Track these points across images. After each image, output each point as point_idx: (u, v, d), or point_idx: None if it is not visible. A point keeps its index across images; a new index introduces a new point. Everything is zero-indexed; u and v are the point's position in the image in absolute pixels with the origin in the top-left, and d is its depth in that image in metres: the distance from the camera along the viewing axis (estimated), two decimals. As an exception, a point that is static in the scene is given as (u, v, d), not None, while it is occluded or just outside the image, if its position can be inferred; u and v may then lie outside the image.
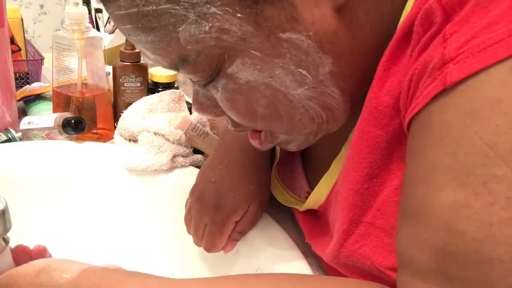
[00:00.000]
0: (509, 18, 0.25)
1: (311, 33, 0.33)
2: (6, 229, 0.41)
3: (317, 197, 0.48)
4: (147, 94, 0.82)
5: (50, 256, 0.48)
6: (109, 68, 0.86)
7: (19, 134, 0.74)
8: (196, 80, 0.37)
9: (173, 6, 0.31)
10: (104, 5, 0.34)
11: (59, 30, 0.77)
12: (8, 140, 0.73)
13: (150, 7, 0.32)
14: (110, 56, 0.94)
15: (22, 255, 0.45)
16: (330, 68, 0.35)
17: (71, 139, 0.71)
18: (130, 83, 0.83)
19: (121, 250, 0.65)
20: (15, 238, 0.46)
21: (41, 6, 2.78)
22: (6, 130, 0.74)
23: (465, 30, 0.27)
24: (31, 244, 0.49)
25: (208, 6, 0.31)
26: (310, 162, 0.53)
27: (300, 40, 0.33)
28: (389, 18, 0.34)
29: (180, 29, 0.32)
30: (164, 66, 0.36)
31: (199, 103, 0.41)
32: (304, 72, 0.34)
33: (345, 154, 0.40)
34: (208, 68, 0.35)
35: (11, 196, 0.45)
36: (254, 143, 0.43)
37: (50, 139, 0.72)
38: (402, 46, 0.32)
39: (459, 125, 0.26)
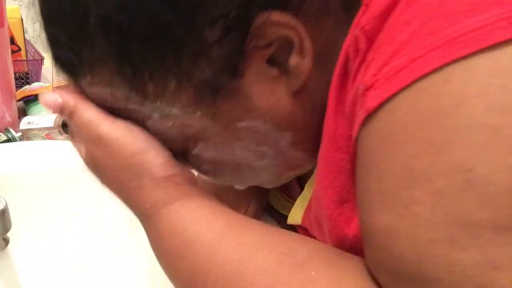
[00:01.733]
0: (412, 43, 0.26)
1: (267, 118, 0.35)
2: (6, 229, 0.42)
3: (294, 217, 0.48)
4: (147, 94, 0.82)
5: None
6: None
7: (19, 134, 0.74)
8: None
9: (139, 107, 0.35)
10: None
11: (59, 30, 0.77)
12: (8, 140, 0.73)
13: (120, 105, 0.35)
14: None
15: None
16: (290, 140, 0.37)
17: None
18: (130, 83, 0.83)
19: (121, 249, 0.65)
20: (15, 238, 0.46)
21: (41, 6, 2.78)
22: (6, 130, 0.74)
23: (379, 56, 0.27)
24: (30, 244, 0.50)
25: (170, 108, 0.34)
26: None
27: (257, 126, 0.35)
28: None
29: (147, 123, 0.36)
30: None
31: None
32: (264, 149, 0.37)
33: (314, 178, 0.41)
34: (174, 151, 0.37)
35: (11, 196, 0.45)
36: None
37: (50, 139, 0.72)
38: (345, 72, 0.32)
39: (379, 149, 0.27)
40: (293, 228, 0.55)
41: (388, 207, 0.26)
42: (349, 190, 0.35)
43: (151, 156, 0.37)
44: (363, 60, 0.29)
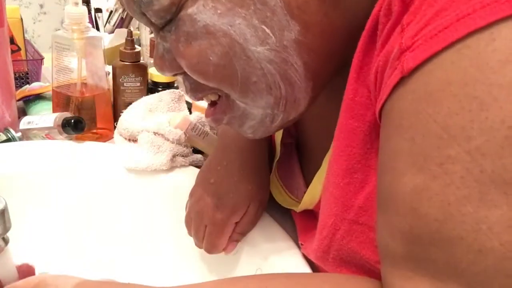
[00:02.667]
0: (456, 4, 0.26)
1: None
2: (6, 229, 0.41)
3: (312, 196, 0.48)
4: (147, 94, 0.82)
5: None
6: (109, 68, 0.86)
7: (19, 134, 0.74)
8: (157, 22, 0.36)
9: None
10: None
11: (59, 30, 0.77)
12: (8, 140, 0.73)
13: None
14: (109, 55, 0.94)
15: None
16: (296, 36, 0.34)
17: (70, 139, 0.71)
18: (130, 82, 0.83)
19: (121, 250, 0.66)
20: (15, 238, 0.46)
21: (41, 6, 2.78)
22: (5, 130, 0.74)
23: (419, 18, 0.27)
24: (30, 244, 0.49)
25: None
26: (306, 162, 0.53)
27: None
28: (364, 9, 0.33)
29: None
30: (133, 7, 0.36)
31: (159, 58, 0.40)
32: (267, 30, 0.34)
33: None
34: (169, 6, 0.34)
35: (11, 196, 0.45)
36: (208, 119, 0.42)
37: (49, 139, 0.72)
38: (373, 36, 0.32)
39: (415, 110, 0.27)
40: (293, 225, 0.55)
41: (420, 167, 0.26)
42: (360, 161, 0.35)
43: (49, 281, 0.38)
44: (396, 23, 0.29)
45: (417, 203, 0.27)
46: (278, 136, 0.55)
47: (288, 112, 0.38)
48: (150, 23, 0.37)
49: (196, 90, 0.40)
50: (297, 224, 0.54)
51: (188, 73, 0.37)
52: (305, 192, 0.50)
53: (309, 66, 0.36)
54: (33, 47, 1.10)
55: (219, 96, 0.40)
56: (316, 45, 0.35)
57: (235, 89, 0.37)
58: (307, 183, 0.52)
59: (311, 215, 0.52)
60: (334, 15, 0.35)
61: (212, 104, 0.42)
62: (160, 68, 0.40)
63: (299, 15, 0.34)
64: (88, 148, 0.69)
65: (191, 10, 0.34)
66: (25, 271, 0.46)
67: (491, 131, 0.24)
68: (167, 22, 0.36)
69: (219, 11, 0.33)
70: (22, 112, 0.89)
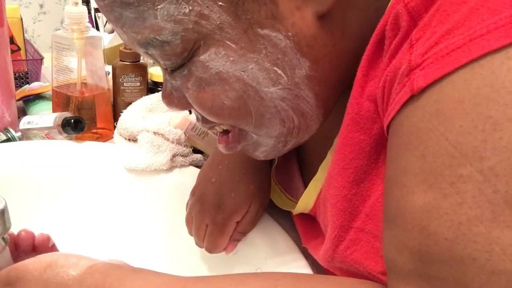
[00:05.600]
0: (469, 23, 0.25)
1: (290, 33, 0.33)
2: (6, 229, 0.41)
3: (307, 201, 0.48)
4: (147, 94, 0.82)
5: (53, 244, 0.48)
6: (109, 68, 0.86)
7: (19, 133, 0.74)
8: (166, 65, 0.36)
9: None
10: None
11: (59, 29, 0.77)
12: (8, 140, 0.73)
13: None
14: (109, 55, 0.94)
15: (25, 239, 0.45)
16: (307, 72, 0.35)
17: (70, 139, 0.71)
18: (130, 82, 0.83)
19: (121, 250, 0.65)
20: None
21: (41, 6, 2.78)
22: (5, 130, 0.74)
23: (429, 35, 0.27)
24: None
25: None
26: (304, 164, 0.53)
27: (278, 39, 0.33)
28: (371, 27, 0.33)
29: (159, 6, 0.32)
30: (137, 46, 0.36)
31: (168, 95, 0.40)
32: (279, 71, 0.34)
33: (330, 159, 0.40)
34: (181, 52, 0.34)
35: (11, 196, 0.45)
36: (221, 146, 0.42)
37: (49, 138, 0.72)
38: (378, 50, 0.32)
39: (426, 127, 0.27)
40: (293, 225, 0.55)
41: (431, 185, 0.26)
42: (366, 171, 0.35)
43: (64, 264, 0.38)
44: (405, 38, 0.29)
45: (426, 221, 0.26)
46: None
47: (301, 137, 0.40)
48: (157, 61, 0.37)
49: (207, 122, 0.40)
50: (298, 226, 0.54)
51: (202, 114, 0.38)
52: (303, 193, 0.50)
53: (320, 96, 0.37)
54: (33, 47, 1.10)
55: (232, 126, 0.40)
56: (326, 76, 0.36)
57: (249, 126, 0.38)
58: (306, 185, 0.52)
59: (309, 217, 0.52)
60: (342, 43, 0.35)
61: (225, 132, 0.42)
62: (169, 105, 0.40)
63: (309, 51, 0.34)
64: (88, 148, 0.69)
65: (203, 57, 0.34)
66: (41, 242, 0.46)
67: (505, 152, 0.24)
68: (178, 66, 0.36)
69: (231, 58, 0.34)
70: (22, 112, 0.89)
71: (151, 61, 0.94)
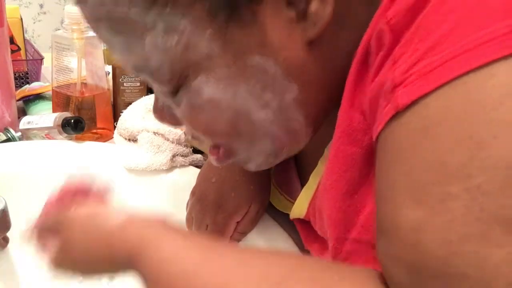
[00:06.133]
0: (451, 40, 0.25)
1: (279, 59, 0.33)
2: (6, 229, 0.41)
3: (299, 208, 0.48)
4: (147, 94, 0.82)
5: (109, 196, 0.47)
6: (109, 68, 0.86)
7: (19, 133, 0.74)
8: (158, 90, 0.37)
9: (143, 15, 0.31)
10: (76, 4, 0.35)
11: (59, 29, 0.77)
12: (8, 140, 0.73)
13: (120, 10, 0.32)
14: (109, 55, 0.94)
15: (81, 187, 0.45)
16: (296, 95, 0.35)
17: (70, 139, 0.71)
18: (130, 82, 0.83)
19: (121, 249, 0.65)
20: (15, 237, 0.46)
21: (41, 6, 2.78)
22: (5, 130, 0.74)
23: (411, 52, 0.27)
24: (31, 243, 0.49)
25: (179, 18, 0.31)
26: (301, 168, 0.53)
27: (267, 65, 0.34)
28: (356, 45, 0.33)
29: (146, 37, 0.32)
30: (128, 70, 0.37)
31: (159, 111, 0.40)
32: (269, 97, 0.35)
33: (321, 168, 0.40)
34: (169, 79, 0.35)
35: (11, 196, 0.45)
36: (212, 158, 0.42)
37: (49, 138, 0.72)
38: (364, 65, 0.32)
39: (412, 143, 0.27)
40: (293, 225, 0.55)
41: (420, 201, 0.26)
42: (359, 183, 0.35)
43: (107, 212, 0.38)
44: (388, 54, 0.29)
45: (418, 237, 0.26)
46: None
47: (291, 151, 0.40)
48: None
49: (199, 138, 0.41)
50: (299, 231, 0.54)
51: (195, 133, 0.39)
52: None
53: (310, 116, 0.37)
54: (33, 47, 1.10)
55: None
56: (315, 97, 0.36)
57: (240, 146, 0.39)
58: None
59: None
60: (331, 66, 0.35)
61: (215, 146, 0.42)
62: (160, 119, 0.41)
63: (298, 76, 0.34)
64: (88, 148, 0.69)
65: (194, 84, 0.34)
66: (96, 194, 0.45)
67: (491, 170, 0.24)
68: (169, 92, 0.36)
69: (221, 86, 0.34)
70: (22, 112, 0.89)
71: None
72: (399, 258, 0.28)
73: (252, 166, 0.42)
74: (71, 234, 0.38)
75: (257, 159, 0.40)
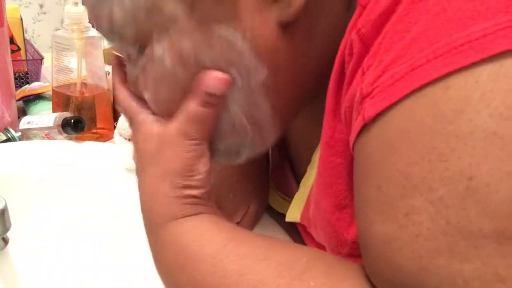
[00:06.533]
0: (411, 52, 0.25)
1: (248, 35, 0.33)
2: (6, 229, 0.41)
3: (293, 215, 0.48)
4: (147, 94, 0.82)
5: None
6: (109, 68, 0.86)
7: (19, 133, 0.74)
8: (122, 54, 0.36)
9: None
10: None
11: (59, 29, 0.77)
12: (8, 140, 0.73)
13: None
14: (109, 55, 0.94)
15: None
16: (264, 79, 0.34)
17: (70, 139, 0.71)
18: (130, 82, 0.83)
19: (121, 250, 0.65)
20: (15, 237, 0.46)
21: (41, 6, 2.78)
22: (5, 130, 0.74)
23: (377, 63, 0.27)
24: (30, 244, 0.49)
25: None
26: (295, 167, 0.53)
27: (234, 39, 0.32)
28: (335, 50, 0.33)
29: None
30: (102, 35, 0.36)
31: (133, 81, 0.39)
32: (234, 73, 0.33)
33: (311, 175, 0.40)
34: (133, 42, 0.34)
35: (11, 196, 0.45)
36: None
37: (49, 138, 0.72)
38: (342, 74, 0.32)
39: (379, 157, 0.27)
40: (293, 225, 0.55)
41: (388, 216, 0.26)
42: (347, 196, 0.35)
43: (197, 167, 0.36)
44: (358, 65, 0.29)
45: (389, 253, 0.26)
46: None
47: (254, 149, 0.38)
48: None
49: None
50: (301, 231, 0.54)
51: (155, 109, 0.37)
52: None
53: (277, 108, 0.36)
54: (33, 47, 1.10)
55: None
56: (284, 88, 0.35)
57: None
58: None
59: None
60: (304, 58, 0.35)
61: None
62: (135, 89, 0.39)
63: (268, 58, 0.33)
64: (88, 148, 0.69)
65: (156, 50, 0.34)
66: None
67: (452, 182, 0.23)
68: (134, 57, 0.36)
69: (184, 52, 0.33)
70: (22, 112, 0.89)
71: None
72: (377, 273, 0.28)
73: (219, 160, 0.40)
74: (144, 147, 0.38)
75: (218, 153, 0.39)
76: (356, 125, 0.28)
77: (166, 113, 0.36)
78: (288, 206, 0.53)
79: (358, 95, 0.28)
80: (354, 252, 0.36)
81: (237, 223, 0.53)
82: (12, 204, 0.43)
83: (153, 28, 0.33)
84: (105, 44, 0.92)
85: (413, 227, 0.25)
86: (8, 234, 0.43)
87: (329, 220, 0.37)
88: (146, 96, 0.37)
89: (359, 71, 0.29)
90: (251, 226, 0.55)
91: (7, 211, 0.41)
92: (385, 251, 0.26)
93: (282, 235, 0.55)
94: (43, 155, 0.66)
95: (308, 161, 0.43)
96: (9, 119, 0.78)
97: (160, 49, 0.33)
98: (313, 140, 0.39)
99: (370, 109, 0.27)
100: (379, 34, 0.28)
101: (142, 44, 0.34)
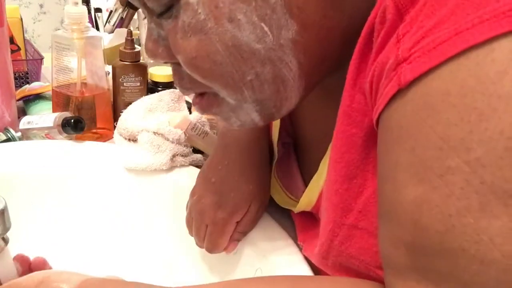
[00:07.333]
0: (455, 17, 0.26)
1: None
2: (6, 229, 0.41)
3: (309, 199, 0.48)
4: (147, 94, 0.82)
5: (49, 267, 0.48)
6: (109, 68, 0.86)
7: (19, 133, 0.74)
8: (153, 7, 0.35)
9: None
10: None
11: (59, 29, 0.77)
12: (8, 140, 0.73)
13: None
14: (109, 55, 0.94)
15: (21, 264, 0.45)
16: (294, 36, 0.34)
17: (70, 139, 0.71)
18: (130, 82, 0.83)
19: (121, 250, 0.65)
20: (15, 237, 0.46)
21: (41, 6, 2.78)
22: (5, 130, 0.74)
23: (416, 29, 0.27)
24: (30, 244, 0.49)
25: None
26: (304, 162, 0.53)
27: None
28: (363, 15, 0.33)
29: None
30: None
31: (153, 43, 0.38)
32: (265, 28, 0.33)
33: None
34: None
35: (11, 196, 0.45)
36: (196, 107, 0.41)
37: (49, 138, 0.72)
38: (369, 44, 0.32)
39: (415, 120, 0.27)
40: (292, 225, 0.55)
41: (421, 178, 0.26)
42: (358, 166, 0.35)
43: (54, 277, 0.37)
44: (391, 32, 0.29)
45: (418, 214, 0.27)
46: (275, 137, 0.55)
47: (278, 109, 0.38)
48: (143, 5, 0.36)
49: (186, 85, 0.39)
50: (296, 224, 0.54)
51: (183, 66, 0.36)
52: (303, 192, 0.51)
53: (303, 66, 0.36)
54: (33, 47, 1.10)
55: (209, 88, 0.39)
56: (312, 46, 0.35)
57: (228, 88, 0.36)
58: (306, 183, 0.52)
59: (309, 215, 0.52)
60: (332, 17, 0.35)
61: (200, 94, 0.40)
62: (153, 55, 0.38)
63: (298, 14, 0.33)
64: (88, 148, 0.69)
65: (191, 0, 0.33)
66: (38, 265, 0.46)
67: (491, 142, 0.24)
68: (166, 9, 0.34)
69: (221, 4, 0.32)
70: (22, 112, 0.89)
71: (151, 61, 0.94)
72: (399, 238, 0.28)
73: (234, 123, 0.40)
74: None
75: (242, 114, 0.38)
76: (388, 91, 0.28)
77: (192, 71, 0.36)
78: (292, 203, 0.53)
79: (391, 61, 0.28)
80: (358, 223, 0.37)
81: (238, 222, 0.53)
82: (12, 204, 0.43)
83: None
84: (105, 44, 0.92)
85: (446, 188, 0.25)
86: (8, 234, 0.43)
87: (337, 190, 0.37)
88: (174, 49, 0.36)
89: (393, 38, 0.29)
90: (251, 225, 0.55)
91: (7, 211, 0.41)
92: (414, 212, 0.27)
93: (281, 235, 0.55)
94: (43, 155, 0.66)
95: (329, 141, 0.42)
96: (9, 119, 0.78)
97: (193, 2, 0.33)
98: (332, 122, 0.38)
99: (407, 73, 0.27)
100: (417, 2, 0.28)
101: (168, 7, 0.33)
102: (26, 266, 0.46)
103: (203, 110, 0.40)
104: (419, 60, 0.26)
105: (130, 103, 0.74)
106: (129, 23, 1.31)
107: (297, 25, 0.34)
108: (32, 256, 0.48)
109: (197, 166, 0.67)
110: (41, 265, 0.47)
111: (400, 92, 0.28)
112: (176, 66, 0.38)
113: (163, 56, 0.38)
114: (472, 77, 0.24)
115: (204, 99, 0.40)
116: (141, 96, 0.80)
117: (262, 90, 0.36)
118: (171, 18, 0.35)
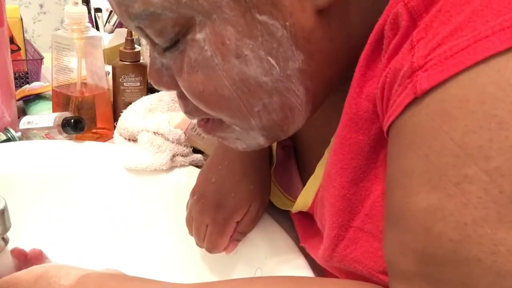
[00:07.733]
0: (473, 24, 0.25)
1: (287, 23, 0.32)
2: (6, 229, 0.41)
3: (305, 199, 0.48)
4: (147, 94, 0.82)
5: (46, 258, 0.48)
6: (109, 68, 0.86)
7: (19, 133, 0.74)
8: (158, 42, 0.35)
9: None
10: None
11: (59, 29, 0.77)
12: (8, 140, 0.73)
13: None
14: (109, 55, 0.94)
15: (18, 258, 0.45)
16: (300, 65, 0.34)
17: (70, 139, 0.71)
18: (130, 82, 0.83)
19: (121, 250, 0.65)
20: (15, 237, 0.46)
21: (41, 6, 2.78)
22: (5, 130, 0.74)
23: (431, 36, 0.27)
24: (30, 244, 0.49)
25: None
26: (303, 165, 0.53)
27: (275, 27, 0.32)
28: (371, 27, 0.33)
29: None
30: (128, 20, 0.34)
31: (156, 73, 0.38)
32: (272, 62, 0.33)
33: (327, 158, 0.40)
34: (173, 27, 0.33)
35: (11, 196, 0.45)
36: (200, 130, 0.41)
37: (49, 138, 0.72)
38: (376, 50, 0.32)
39: (430, 126, 0.26)
40: (292, 225, 0.55)
41: (435, 185, 0.26)
42: (365, 171, 0.35)
43: (53, 272, 0.38)
44: (404, 38, 0.28)
45: (431, 222, 0.26)
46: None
47: (285, 133, 0.38)
48: (149, 39, 0.36)
49: (192, 113, 0.39)
50: (297, 225, 0.54)
51: (190, 98, 0.36)
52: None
53: (311, 91, 0.36)
54: (33, 47, 1.10)
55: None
56: (319, 71, 0.35)
57: (235, 118, 0.36)
58: (304, 185, 0.52)
59: (308, 216, 0.52)
60: (339, 40, 0.35)
61: (205, 119, 0.40)
62: (157, 84, 0.38)
63: (304, 45, 0.33)
64: (88, 148, 0.69)
65: (199, 36, 0.33)
66: (35, 256, 0.46)
67: (510, 151, 0.23)
68: (171, 44, 0.34)
69: (227, 42, 0.32)
70: (22, 112, 0.89)
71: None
72: (408, 246, 0.28)
73: (240, 146, 0.40)
74: None
75: (248, 138, 0.39)
76: (403, 99, 0.28)
77: (200, 103, 0.36)
78: (290, 204, 0.53)
79: (406, 68, 0.28)
80: (364, 226, 0.37)
81: (238, 222, 0.53)
82: (12, 204, 0.43)
83: (195, 13, 0.32)
84: (105, 44, 0.92)
85: (462, 197, 0.25)
86: (8, 234, 0.43)
87: (344, 195, 0.37)
88: (180, 82, 0.36)
89: (407, 45, 0.28)
90: (251, 225, 0.55)
91: (7, 211, 0.41)
92: (426, 220, 0.26)
93: (281, 235, 0.55)
94: (43, 155, 0.66)
95: (323, 147, 0.42)
96: (9, 119, 0.78)
97: (203, 36, 0.33)
98: (330, 126, 0.39)
99: (423, 81, 0.26)
100: (431, 8, 0.27)
101: (181, 29, 0.33)
102: (22, 258, 0.46)
103: (207, 133, 0.41)
104: (436, 68, 0.26)
105: (130, 103, 0.74)
106: (129, 23, 1.31)
107: (303, 55, 0.34)
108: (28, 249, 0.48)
109: (197, 166, 0.67)
110: (38, 256, 0.47)
111: (415, 100, 0.27)
112: (181, 93, 0.38)
113: (167, 86, 0.38)
114: (492, 84, 0.24)
115: (209, 124, 0.40)
116: (141, 96, 0.80)
117: (269, 119, 0.36)
118: (177, 53, 0.35)
